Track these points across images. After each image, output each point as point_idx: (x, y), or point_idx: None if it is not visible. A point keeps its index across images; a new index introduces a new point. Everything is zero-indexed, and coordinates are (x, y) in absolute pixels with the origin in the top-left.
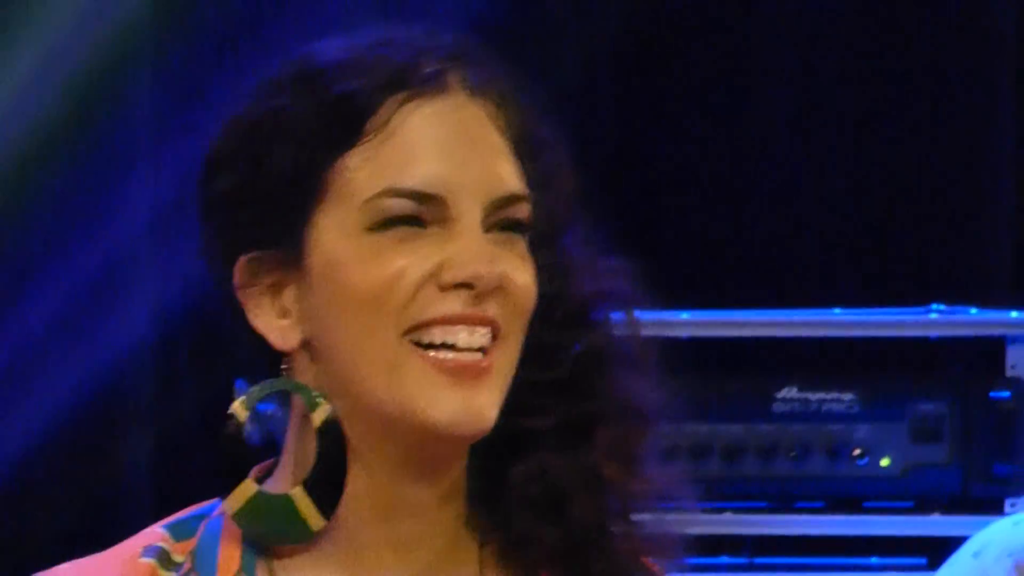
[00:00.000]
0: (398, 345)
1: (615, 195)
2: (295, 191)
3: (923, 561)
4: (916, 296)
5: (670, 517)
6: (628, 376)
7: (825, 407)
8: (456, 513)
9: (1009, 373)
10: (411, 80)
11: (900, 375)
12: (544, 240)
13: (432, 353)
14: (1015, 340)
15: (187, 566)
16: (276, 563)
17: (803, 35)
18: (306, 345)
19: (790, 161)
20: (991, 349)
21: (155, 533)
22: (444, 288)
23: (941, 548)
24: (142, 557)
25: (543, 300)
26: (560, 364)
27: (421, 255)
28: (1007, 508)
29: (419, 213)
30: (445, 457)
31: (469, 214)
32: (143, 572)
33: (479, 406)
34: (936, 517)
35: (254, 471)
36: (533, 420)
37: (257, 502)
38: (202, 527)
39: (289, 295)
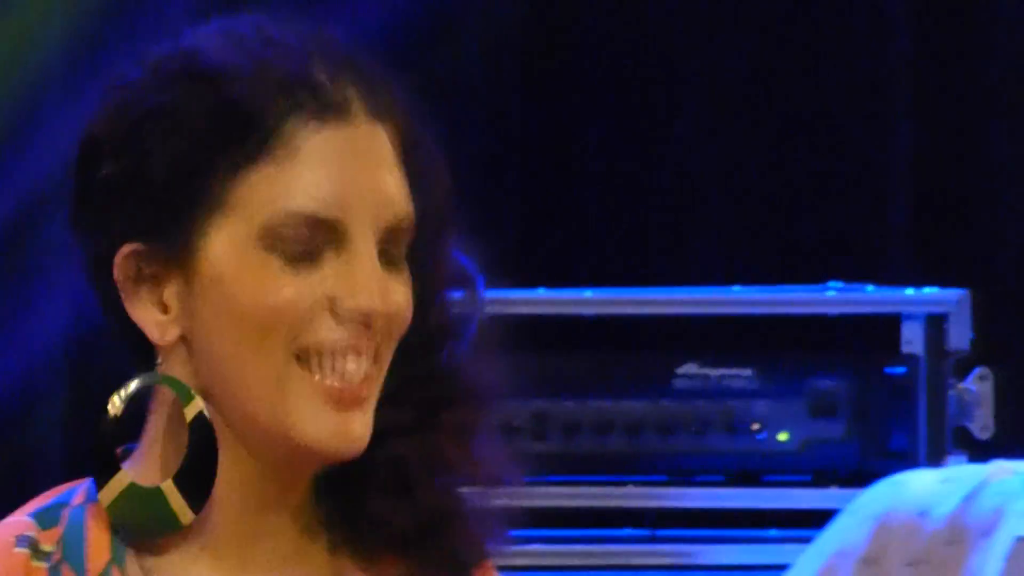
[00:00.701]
0: (284, 365)
1: (518, 176)
2: (186, 192)
3: (820, 533)
4: (814, 274)
5: (509, 497)
6: (474, 361)
7: (724, 383)
8: (308, 501)
9: (904, 349)
10: (313, 100)
11: (798, 352)
12: (418, 249)
13: (318, 377)
14: (910, 317)
15: (56, 556)
16: (145, 554)
17: (705, 18)
18: (183, 340)
19: (692, 141)
20: (887, 326)
21: (22, 522)
22: (339, 318)
23: None
24: (16, 547)
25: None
26: (416, 360)
27: (315, 280)
28: None
29: (316, 236)
30: (312, 466)
31: (364, 240)
32: (19, 562)
33: (355, 431)
34: (833, 491)
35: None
36: (389, 411)
37: (130, 494)
38: (66, 515)
39: (171, 291)
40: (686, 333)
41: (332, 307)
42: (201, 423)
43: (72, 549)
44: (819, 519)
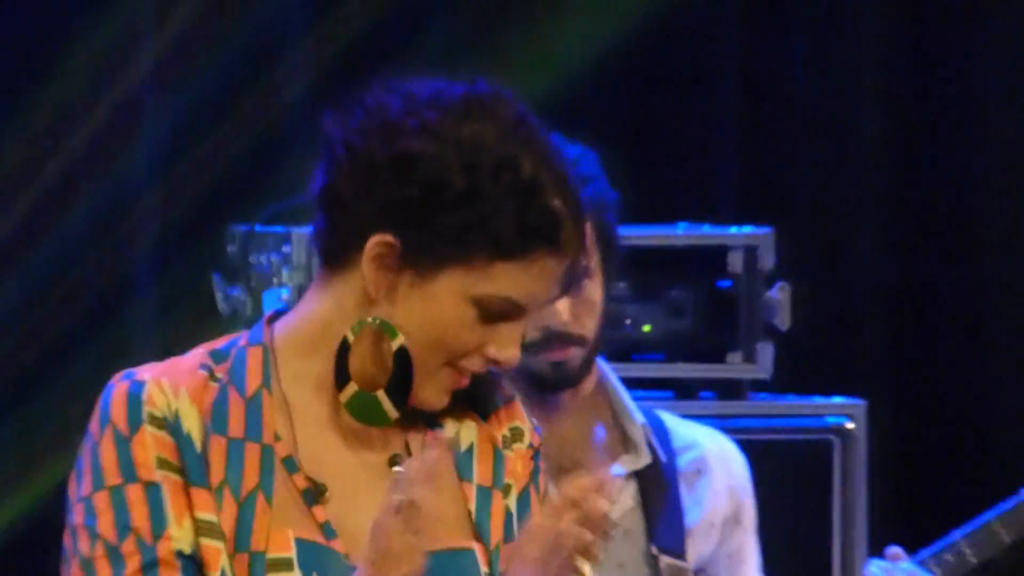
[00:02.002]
0: (436, 366)
1: None
2: (460, 243)
3: (670, 394)
4: (671, 214)
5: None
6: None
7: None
8: None
9: (730, 270)
10: (562, 244)
11: (657, 270)
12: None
13: (445, 373)
14: (733, 247)
15: (225, 379)
16: (284, 377)
17: None
18: (377, 301)
19: (549, 91)
20: (719, 252)
21: (203, 355)
22: (482, 361)
23: (684, 385)
24: (199, 370)
25: None
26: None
27: (486, 333)
28: (727, 357)
29: (507, 311)
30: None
31: (525, 322)
32: (201, 380)
33: (444, 403)
34: (680, 365)
35: (269, 315)
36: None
37: (358, 396)
38: (233, 353)
39: (394, 276)
40: None
41: (482, 352)
42: (403, 352)
43: (236, 376)
44: (670, 384)
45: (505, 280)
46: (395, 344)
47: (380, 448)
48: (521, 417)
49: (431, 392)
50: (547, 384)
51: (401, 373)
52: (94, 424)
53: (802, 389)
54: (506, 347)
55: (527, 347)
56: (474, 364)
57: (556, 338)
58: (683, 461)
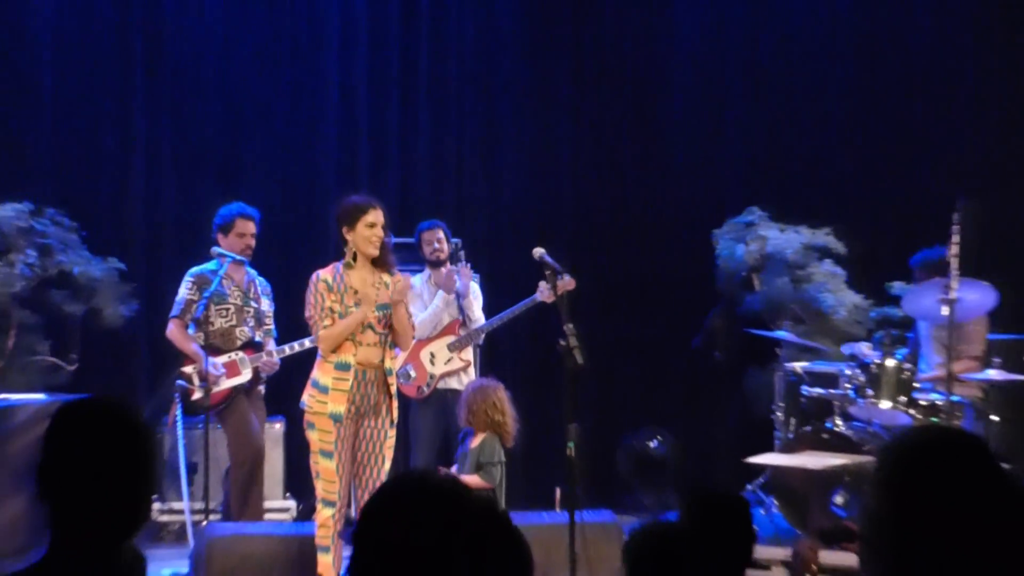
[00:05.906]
0: (364, 242)
1: None
2: (354, 219)
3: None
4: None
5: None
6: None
7: (449, 245)
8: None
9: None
10: (375, 208)
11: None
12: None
13: (367, 244)
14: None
15: (339, 268)
16: (355, 264)
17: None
18: (350, 243)
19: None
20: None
21: (336, 264)
22: (375, 238)
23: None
24: (334, 266)
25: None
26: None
27: (370, 233)
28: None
29: (375, 227)
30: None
31: (380, 229)
32: (333, 269)
33: None
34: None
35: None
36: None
37: (348, 263)
38: (340, 262)
39: (350, 235)
40: None
41: (371, 238)
42: (355, 253)
43: (338, 268)
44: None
45: (368, 220)
46: (354, 251)
47: (371, 282)
48: (401, 276)
49: (369, 251)
50: (434, 264)
51: (355, 256)
52: (309, 282)
53: None
54: (379, 234)
55: (432, 254)
56: (372, 241)
57: (436, 251)
58: (472, 294)
